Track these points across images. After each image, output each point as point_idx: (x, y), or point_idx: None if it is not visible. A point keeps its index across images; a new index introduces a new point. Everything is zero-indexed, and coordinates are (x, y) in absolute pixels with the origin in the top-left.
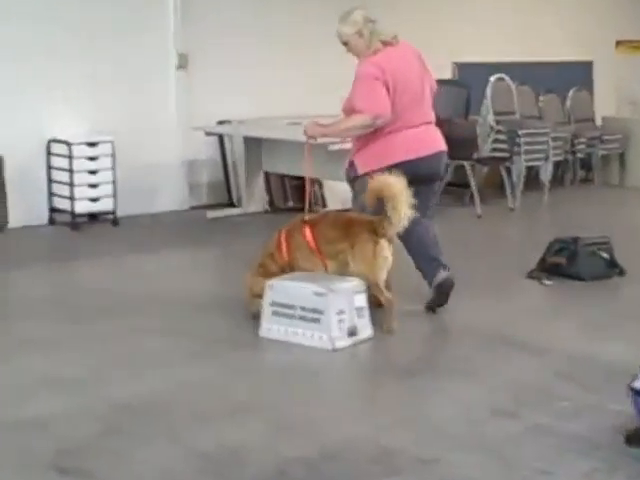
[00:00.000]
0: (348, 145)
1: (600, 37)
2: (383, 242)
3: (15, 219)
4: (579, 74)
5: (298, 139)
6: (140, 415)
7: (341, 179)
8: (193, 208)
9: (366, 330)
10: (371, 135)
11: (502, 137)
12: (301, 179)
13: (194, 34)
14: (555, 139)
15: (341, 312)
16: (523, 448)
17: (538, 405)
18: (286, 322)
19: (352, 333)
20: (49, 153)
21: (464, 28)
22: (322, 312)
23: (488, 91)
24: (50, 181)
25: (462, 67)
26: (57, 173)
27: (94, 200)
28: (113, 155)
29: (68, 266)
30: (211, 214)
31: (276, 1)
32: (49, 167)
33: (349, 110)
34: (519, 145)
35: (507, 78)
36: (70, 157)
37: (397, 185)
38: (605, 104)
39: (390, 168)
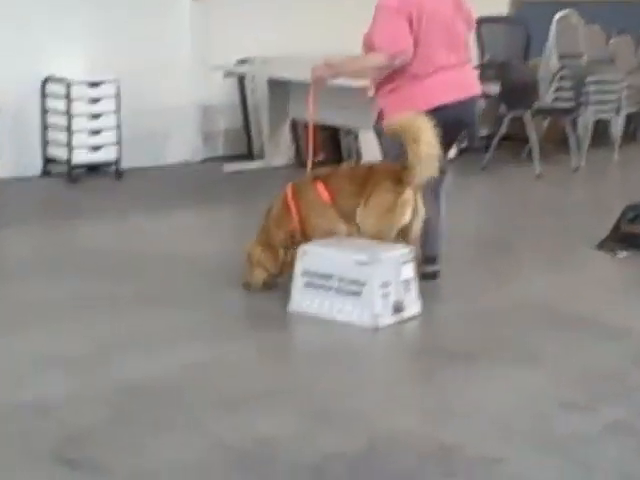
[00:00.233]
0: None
1: None
2: (408, 193)
3: (4, 169)
4: None
5: (334, 83)
6: (154, 399)
7: None
8: (207, 160)
9: (413, 306)
10: (398, 78)
11: (567, 84)
12: (333, 129)
13: None
14: (628, 88)
15: (386, 284)
16: (601, 448)
17: (615, 398)
18: (321, 295)
19: (398, 309)
20: (44, 94)
21: None
22: (364, 284)
23: (552, 30)
24: (44, 126)
25: (522, 3)
26: (53, 117)
27: (95, 149)
28: (117, 97)
29: (64, 225)
30: (228, 167)
31: None
32: (44, 110)
33: (369, 46)
34: (586, 94)
35: (574, 15)
36: (68, 98)
37: (420, 124)
38: None
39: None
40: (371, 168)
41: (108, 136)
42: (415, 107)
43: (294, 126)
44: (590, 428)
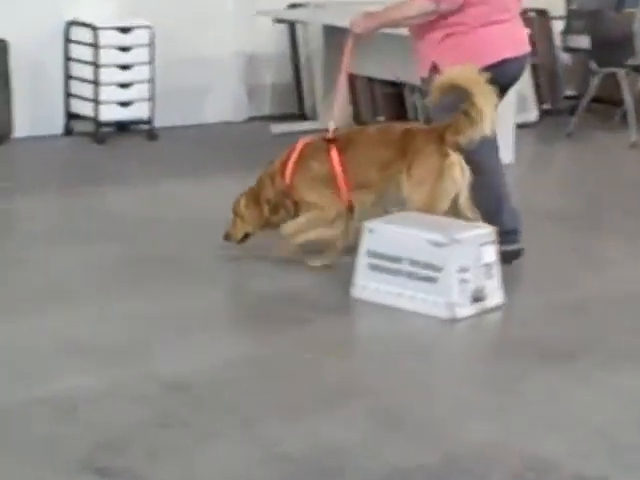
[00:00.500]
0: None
1: None
2: (454, 156)
3: (22, 127)
4: None
5: (397, 31)
6: (198, 399)
7: None
8: (252, 119)
9: (496, 295)
10: (453, 27)
11: None
12: (396, 86)
13: None
14: None
15: (464, 269)
16: None
17: None
18: (389, 280)
19: (478, 298)
20: (67, 40)
21: None
22: (440, 269)
23: None
24: (67, 77)
25: None
26: (77, 67)
27: (125, 105)
28: (151, 45)
29: (89, 191)
30: (276, 128)
31: None
32: (67, 59)
33: None
34: None
35: None
36: (95, 46)
37: (477, 75)
38: None
39: (486, 69)
40: (407, 131)
41: (140, 90)
42: (479, 60)
43: (352, 82)
44: None
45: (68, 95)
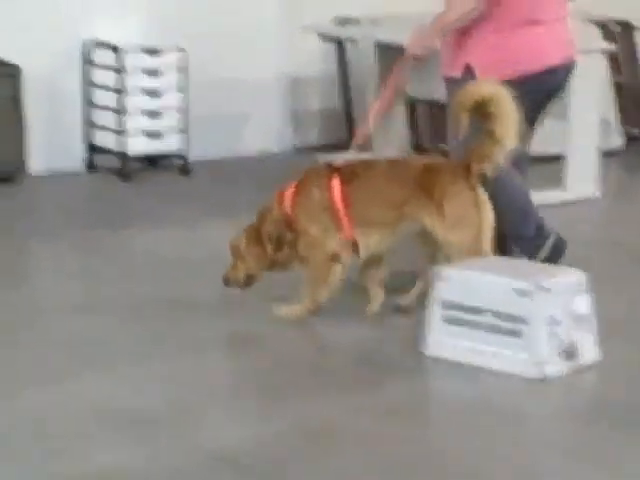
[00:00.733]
0: None
1: None
2: (480, 189)
3: (37, 162)
4: None
5: None
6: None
7: None
8: (298, 149)
9: (590, 350)
10: (494, 25)
11: None
12: None
13: None
14: None
15: (554, 321)
16: None
17: None
18: (467, 334)
19: (570, 354)
20: (88, 62)
21: None
22: (525, 320)
23: None
24: (88, 105)
25: None
26: (99, 94)
27: (154, 136)
28: (183, 69)
29: (116, 235)
30: (324, 159)
31: None
32: (87, 84)
33: None
34: None
35: None
36: (119, 70)
37: (504, 91)
38: None
39: (519, 79)
40: (428, 166)
41: (170, 120)
42: (519, 66)
43: (411, 106)
44: None
45: (89, 125)
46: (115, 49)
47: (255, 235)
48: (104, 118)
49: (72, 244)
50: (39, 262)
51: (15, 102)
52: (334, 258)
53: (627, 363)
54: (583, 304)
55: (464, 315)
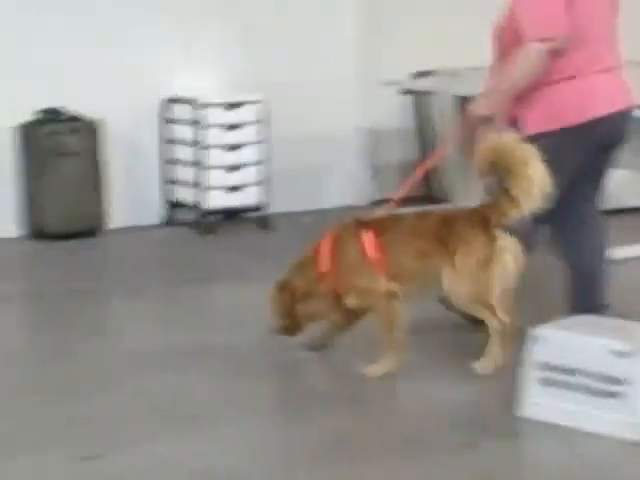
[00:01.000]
0: None
1: None
2: (505, 239)
3: (115, 217)
4: None
5: None
6: None
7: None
8: (378, 203)
9: None
10: (543, 78)
11: None
12: None
13: None
14: None
15: None
16: None
17: None
18: (564, 396)
19: None
20: (165, 118)
21: None
22: (623, 382)
23: None
24: (166, 161)
25: None
26: (178, 149)
27: (233, 190)
28: (262, 122)
29: (194, 290)
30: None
31: None
32: (165, 139)
33: (509, 41)
34: None
35: None
36: (198, 124)
37: (525, 148)
38: None
39: (572, 129)
40: (445, 217)
41: (250, 173)
42: (561, 119)
43: None
44: None
45: (167, 181)
46: (194, 103)
47: (281, 287)
48: (183, 173)
49: (150, 298)
50: (111, 319)
51: (94, 157)
52: (391, 296)
53: None
54: None
55: (560, 376)
